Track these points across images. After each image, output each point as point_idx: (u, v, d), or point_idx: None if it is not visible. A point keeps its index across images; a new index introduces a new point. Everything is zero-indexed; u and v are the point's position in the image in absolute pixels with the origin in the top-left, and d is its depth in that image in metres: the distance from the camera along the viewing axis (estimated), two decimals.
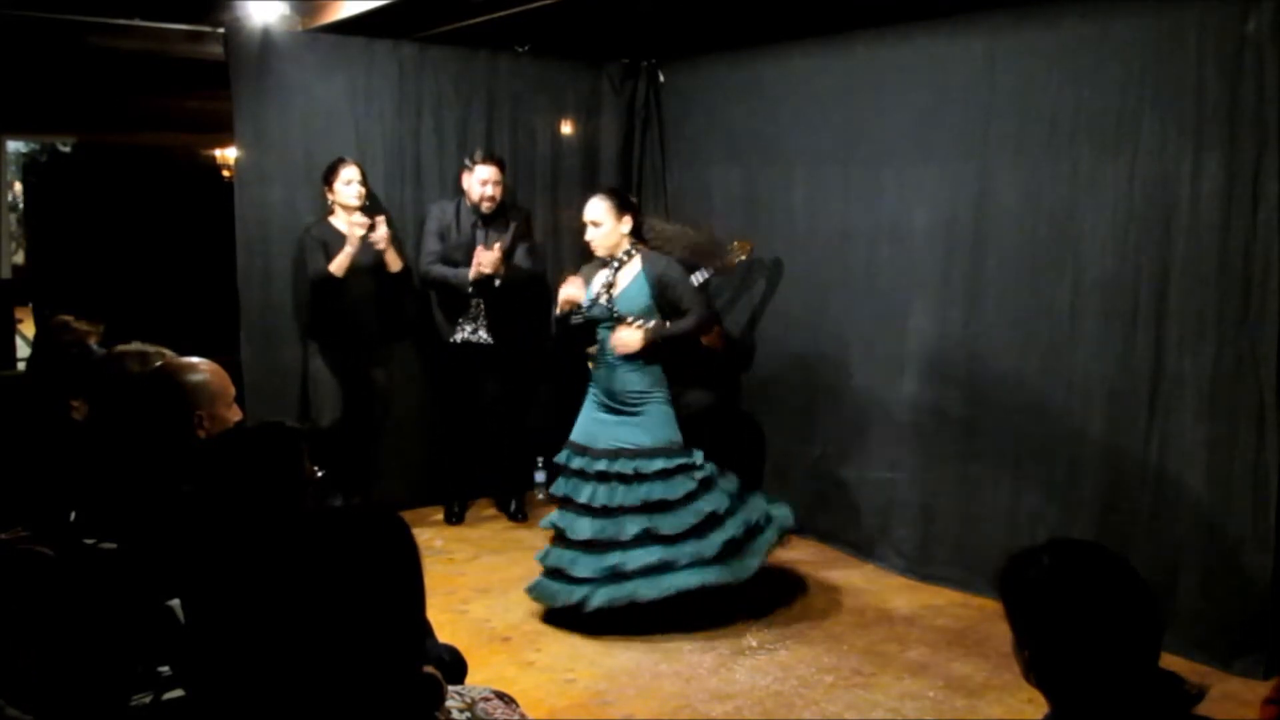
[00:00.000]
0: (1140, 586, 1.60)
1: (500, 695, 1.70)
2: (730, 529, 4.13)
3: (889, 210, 4.82)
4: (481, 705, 1.62)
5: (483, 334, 5.25)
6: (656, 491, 4.07)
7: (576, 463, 4.20)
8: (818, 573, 4.84)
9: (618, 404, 4.19)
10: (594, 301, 4.20)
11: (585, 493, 4.15)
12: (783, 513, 4.39)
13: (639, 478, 4.09)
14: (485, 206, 5.16)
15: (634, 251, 4.18)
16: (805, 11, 4.85)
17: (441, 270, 5.17)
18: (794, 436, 5.35)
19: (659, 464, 4.08)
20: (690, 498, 4.11)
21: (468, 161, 5.22)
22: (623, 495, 4.10)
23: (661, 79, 6.02)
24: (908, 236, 4.75)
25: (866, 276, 4.94)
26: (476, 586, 4.62)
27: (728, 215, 5.59)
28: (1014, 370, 4.39)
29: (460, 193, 5.30)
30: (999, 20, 4.34)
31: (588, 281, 4.26)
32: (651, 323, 4.13)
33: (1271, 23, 3.55)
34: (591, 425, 4.23)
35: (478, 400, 5.37)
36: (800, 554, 5.08)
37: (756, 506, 4.30)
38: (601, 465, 4.13)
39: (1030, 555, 1.66)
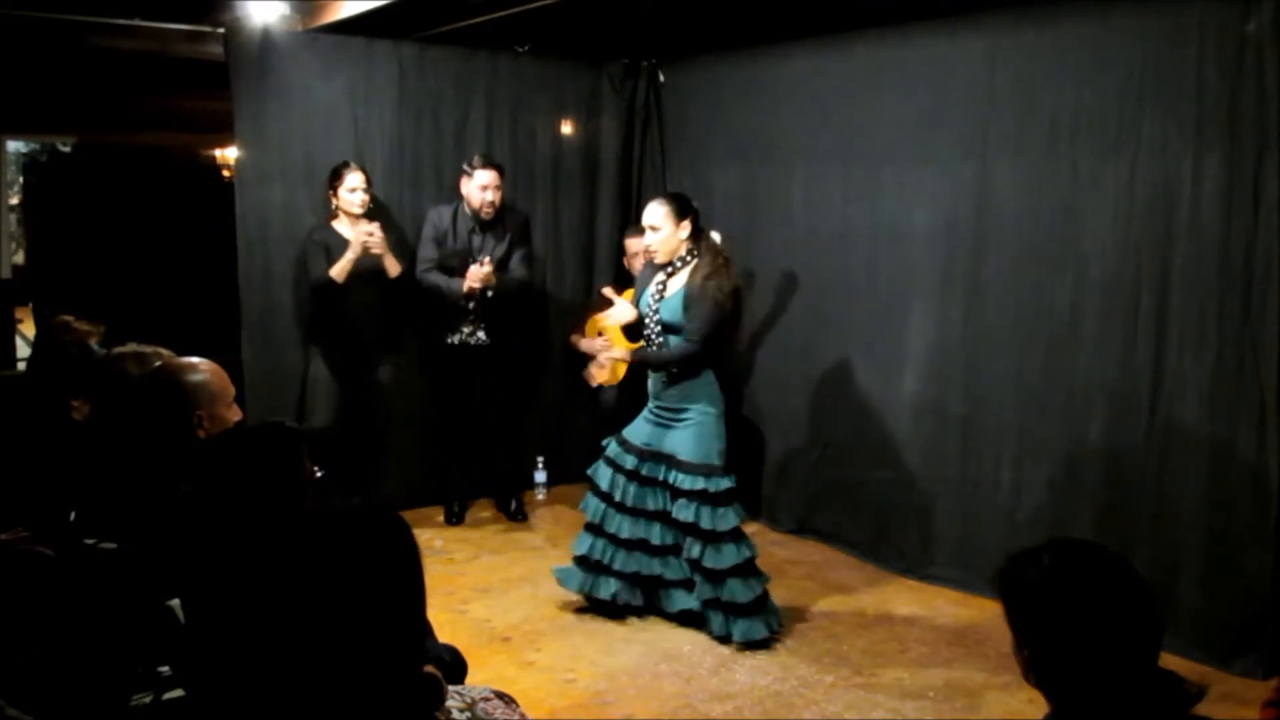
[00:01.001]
0: (1140, 586, 1.60)
1: (500, 695, 1.70)
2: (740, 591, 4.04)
3: (889, 210, 4.82)
4: (481, 705, 1.62)
5: (480, 335, 5.25)
6: (700, 517, 3.97)
7: (613, 450, 4.21)
8: (818, 573, 4.84)
9: (660, 410, 4.14)
10: (646, 305, 4.15)
11: (606, 480, 4.16)
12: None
13: (674, 490, 4.02)
14: (485, 213, 5.12)
15: (690, 259, 4.05)
16: (805, 11, 4.85)
17: (435, 279, 5.15)
18: (794, 436, 5.35)
19: (700, 483, 3.97)
20: (737, 534, 4.01)
21: (467, 167, 5.18)
22: (653, 499, 4.07)
23: (661, 79, 6.02)
24: (908, 236, 4.75)
25: (866, 276, 4.94)
26: (476, 586, 4.62)
27: (728, 215, 5.59)
28: (1014, 370, 4.39)
29: (458, 197, 5.27)
30: (999, 20, 4.34)
31: (643, 285, 4.20)
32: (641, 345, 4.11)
33: (1271, 23, 3.55)
34: (640, 424, 4.21)
35: (476, 401, 5.37)
36: (800, 554, 5.09)
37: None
38: (631, 462, 4.11)
39: (1030, 555, 1.66)
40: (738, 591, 3.98)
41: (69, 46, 5.15)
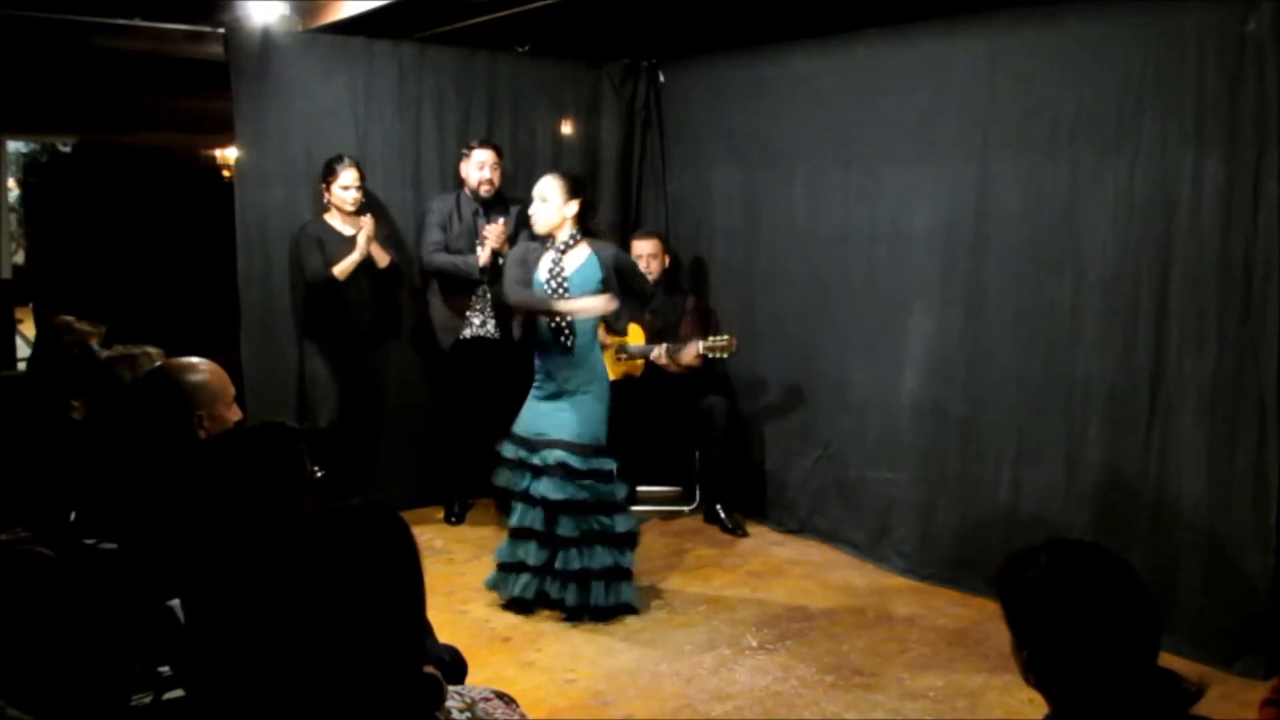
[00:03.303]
0: (1138, 586, 1.60)
1: (500, 695, 1.70)
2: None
3: (889, 210, 4.82)
4: (481, 705, 1.62)
5: (490, 327, 5.25)
6: (597, 491, 4.16)
7: (516, 453, 4.28)
8: (818, 573, 4.84)
9: (558, 388, 4.22)
10: (544, 285, 4.22)
11: (525, 483, 4.25)
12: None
13: (570, 473, 4.14)
14: (484, 191, 5.19)
15: (579, 238, 4.20)
16: (805, 11, 4.85)
17: (447, 258, 5.18)
18: (794, 436, 5.35)
19: (594, 463, 4.15)
20: (623, 505, 4.25)
21: (465, 150, 5.28)
22: (557, 489, 4.15)
23: (661, 79, 6.02)
24: (908, 236, 4.75)
25: (867, 276, 4.94)
26: (476, 586, 4.62)
27: (728, 215, 5.60)
28: (1014, 370, 4.39)
29: (459, 185, 5.32)
30: (999, 20, 4.34)
31: (527, 262, 4.26)
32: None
33: (1271, 23, 3.55)
34: (530, 415, 4.29)
35: (479, 399, 5.37)
36: (800, 554, 5.09)
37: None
38: (537, 459, 4.19)
39: (1028, 555, 1.66)
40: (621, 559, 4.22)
41: (69, 46, 5.15)
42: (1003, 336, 4.43)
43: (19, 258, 9.39)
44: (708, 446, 5.43)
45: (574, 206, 4.17)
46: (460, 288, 5.23)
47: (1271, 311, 3.63)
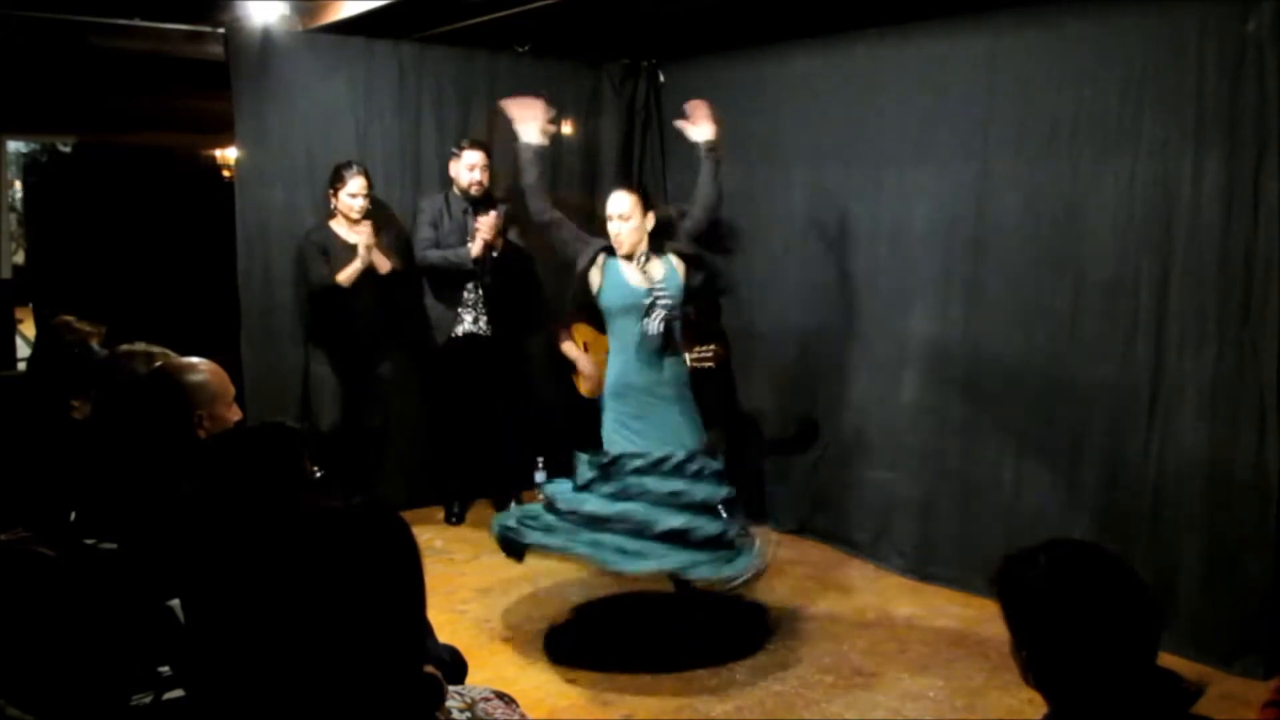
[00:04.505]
0: (1137, 586, 1.60)
1: (500, 695, 1.70)
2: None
3: (889, 210, 4.82)
4: (481, 705, 1.62)
5: (482, 324, 5.26)
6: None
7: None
8: (818, 573, 4.84)
9: (656, 391, 4.05)
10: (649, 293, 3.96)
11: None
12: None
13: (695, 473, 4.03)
14: (474, 190, 5.21)
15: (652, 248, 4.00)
16: (805, 11, 4.85)
17: (438, 253, 5.20)
18: (794, 437, 5.35)
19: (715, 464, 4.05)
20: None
21: (455, 149, 5.29)
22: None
23: (661, 79, 6.02)
24: (908, 236, 4.75)
25: (866, 276, 4.94)
26: (476, 586, 4.63)
27: (728, 215, 5.58)
28: (1014, 370, 4.39)
29: (448, 184, 5.33)
30: (999, 20, 4.34)
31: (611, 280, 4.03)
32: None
33: (1271, 23, 3.55)
34: (633, 433, 4.05)
35: (477, 399, 5.37)
36: (800, 554, 5.09)
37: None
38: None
39: (1027, 555, 1.66)
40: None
41: (69, 46, 5.15)
42: (1003, 336, 4.43)
43: (19, 258, 9.38)
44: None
45: (651, 219, 3.99)
46: (451, 284, 5.24)
47: (1271, 311, 3.64)
